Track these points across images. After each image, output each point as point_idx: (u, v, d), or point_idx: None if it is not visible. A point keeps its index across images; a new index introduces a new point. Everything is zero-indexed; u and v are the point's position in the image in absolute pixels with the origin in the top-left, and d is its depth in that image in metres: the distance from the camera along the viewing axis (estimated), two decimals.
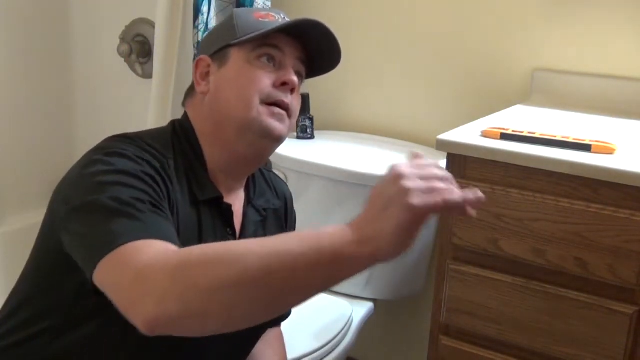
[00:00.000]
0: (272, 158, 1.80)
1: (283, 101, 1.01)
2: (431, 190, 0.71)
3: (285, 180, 1.76)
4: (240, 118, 1.00)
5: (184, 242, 0.93)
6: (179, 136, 1.04)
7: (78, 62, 2.33)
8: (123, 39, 2.19)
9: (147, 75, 2.17)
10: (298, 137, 1.89)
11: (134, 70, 2.24)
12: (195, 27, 1.78)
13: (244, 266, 0.71)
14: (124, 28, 2.21)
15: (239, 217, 1.08)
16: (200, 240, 0.99)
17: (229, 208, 1.04)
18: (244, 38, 1.01)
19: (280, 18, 1.05)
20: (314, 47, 1.05)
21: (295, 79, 1.02)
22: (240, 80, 1.01)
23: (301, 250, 0.71)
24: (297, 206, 1.76)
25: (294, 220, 1.25)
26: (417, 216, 0.70)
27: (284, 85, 1.01)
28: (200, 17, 1.77)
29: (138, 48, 2.18)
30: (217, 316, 0.72)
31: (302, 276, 0.71)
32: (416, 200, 0.69)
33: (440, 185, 0.71)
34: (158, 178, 0.92)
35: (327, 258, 0.71)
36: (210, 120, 1.04)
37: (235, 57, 1.03)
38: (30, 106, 2.24)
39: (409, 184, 0.71)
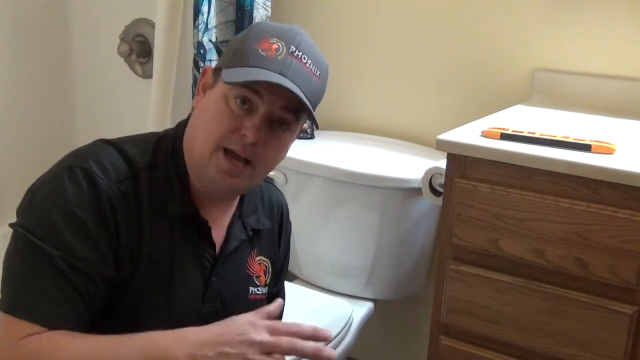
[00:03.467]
0: None
1: (238, 151, 0.95)
2: None
3: (285, 181, 1.77)
4: (199, 154, 0.98)
5: (153, 259, 0.97)
6: (165, 144, 1.02)
7: (78, 62, 2.33)
8: (123, 39, 2.19)
9: (147, 75, 2.17)
10: (298, 137, 1.88)
11: (134, 70, 2.24)
12: (195, 27, 1.78)
13: None
14: (124, 28, 2.21)
15: (222, 231, 1.06)
16: (172, 256, 0.99)
17: (205, 224, 1.02)
18: (226, 79, 0.94)
19: (285, 51, 0.95)
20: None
21: (258, 134, 0.94)
22: (210, 118, 0.97)
23: None
24: (297, 206, 1.76)
25: (290, 231, 1.23)
26: None
27: (245, 135, 0.94)
28: (200, 17, 1.77)
29: (138, 48, 2.18)
30: None
31: None
32: None
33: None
34: (106, 213, 0.93)
35: None
36: (189, 138, 1.01)
37: (221, 84, 0.97)
38: (30, 106, 2.24)
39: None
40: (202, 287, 1.03)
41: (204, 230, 1.02)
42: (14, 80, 2.18)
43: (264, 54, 0.95)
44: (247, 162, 0.97)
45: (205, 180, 0.99)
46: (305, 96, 0.95)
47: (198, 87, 1.04)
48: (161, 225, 0.98)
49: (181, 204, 1.00)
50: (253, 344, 0.87)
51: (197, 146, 0.98)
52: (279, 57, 0.94)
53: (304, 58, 0.96)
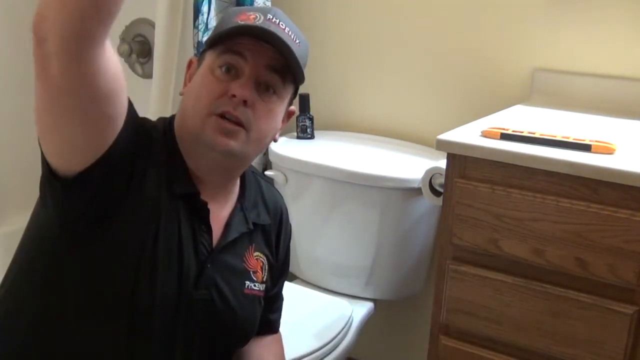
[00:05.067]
0: (271, 158, 1.80)
1: (230, 112, 0.96)
2: None
3: (285, 181, 1.77)
4: (191, 129, 0.99)
5: (163, 231, 0.97)
6: (164, 128, 1.04)
7: None
8: (123, 39, 2.19)
9: (147, 75, 2.17)
10: (298, 137, 1.89)
11: (134, 70, 2.24)
12: (195, 27, 1.78)
13: None
14: (124, 28, 2.21)
15: (221, 220, 1.06)
16: (180, 234, 0.99)
17: (204, 205, 1.03)
18: (207, 41, 0.99)
19: (262, 18, 0.99)
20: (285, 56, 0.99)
21: (246, 92, 0.96)
22: (198, 90, 0.99)
23: None
24: (297, 206, 1.77)
25: (289, 234, 1.23)
26: None
27: (233, 97, 0.96)
28: (200, 17, 1.77)
29: (138, 48, 2.18)
30: None
31: None
32: None
33: None
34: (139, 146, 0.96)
35: None
36: (180, 119, 1.04)
37: (206, 61, 1.01)
38: (31, 106, 2.23)
39: None
40: (196, 272, 1.02)
41: (202, 213, 1.03)
42: (14, 81, 2.18)
43: (242, 22, 0.98)
44: (240, 124, 0.98)
45: (200, 153, 1.00)
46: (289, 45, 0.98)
47: (185, 78, 1.06)
48: (168, 205, 0.99)
49: (183, 183, 1.01)
50: None
51: (189, 119, 1.00)
52: (257, 23, 0.98)
53: (282, 24, 0.99)
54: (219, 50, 0.99)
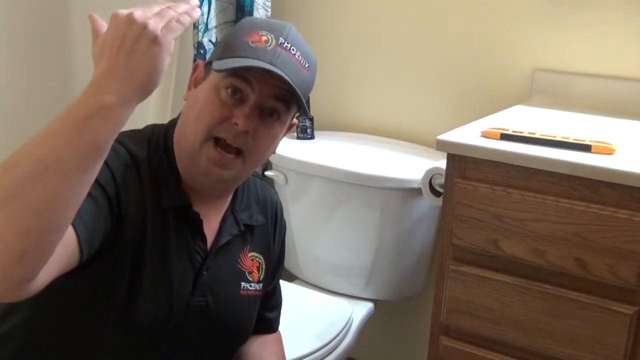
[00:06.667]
0: (271, 158, 1.80)
1: (229, 139, 0.96)
2: (165, 17, 0.77)
3: (285, 181, 1.77)
4: (189, 147, 0.98)
5: (149, 249, 0.96)
6: (157, 138, 1.03)
7: (78, 62, 2.33)
8: None
9: None
10: (298, 137, 1.89)
11: None
12: (195, 27, 1.78)
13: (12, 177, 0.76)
14: None
15: (214, 226, 1.06)
16: (165, 247, 0.99)
17: (197, 217, 1.02)
18: (216, 68, 0.95)
19: (274, 43, 0.97)
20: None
21: (249, 123, 0.95)
22: (202, 106, 0.98)
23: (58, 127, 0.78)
24: (297, 206, 1.77)
25: (284, 229, 1.23)
26: (165, 46, 0.76)
27: (236, 124, 0.95)
28: (200, 18, 1.76)
29: None
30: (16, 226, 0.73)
31: (66, 148, 0.78)
32: (160, 31, 0.76)
33: (169, 11, 0.78)
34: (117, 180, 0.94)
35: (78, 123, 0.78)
36: (180, 130, 1.02)
37: (212, 76, 0.98)
38: (31, 107, 2.24)
39: (146, 20, 0.75)
40: (192, 280, 1.03)
41: (196, 223, 1.03)
42: (14, 82, 2.18)
43: (253, 45, 0.96)
44: (238, 153, 0.98)
45: (195, 173, 1.00)
46: (295, 85, 0.96)
47: (190, 81, 1.05)
48: (154, 218, 0.98)
49: (174, 196, 1.00)
50: (151, 26, 0.76)
51: (188, 136, 0.99)
52: (268, 48, 0.96)
53: (293, 50, 0.98)
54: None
